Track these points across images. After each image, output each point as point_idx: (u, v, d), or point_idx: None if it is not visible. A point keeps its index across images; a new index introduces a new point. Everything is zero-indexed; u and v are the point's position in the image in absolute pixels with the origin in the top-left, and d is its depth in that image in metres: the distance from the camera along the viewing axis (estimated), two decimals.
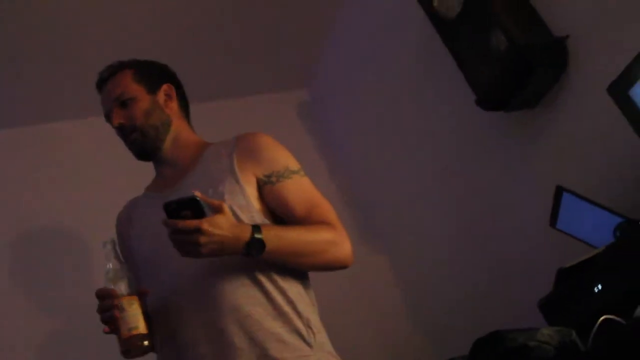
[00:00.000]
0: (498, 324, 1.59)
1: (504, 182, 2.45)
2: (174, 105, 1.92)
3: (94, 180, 2.94)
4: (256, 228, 1.59)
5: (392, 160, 3.05)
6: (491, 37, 2.13)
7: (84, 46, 2.82)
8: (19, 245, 2.81)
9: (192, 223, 1.52)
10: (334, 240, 1.70)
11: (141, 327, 1.62)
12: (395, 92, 2.93)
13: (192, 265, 1.66)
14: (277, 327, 1.63)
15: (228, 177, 1.75)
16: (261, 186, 1.76)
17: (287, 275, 1.70)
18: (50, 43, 2.76)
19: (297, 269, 1.72)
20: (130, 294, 1.64)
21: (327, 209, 1.75)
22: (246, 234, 1.57)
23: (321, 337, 1.70)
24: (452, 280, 2.78)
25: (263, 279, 1.67)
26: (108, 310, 1.62)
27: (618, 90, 1.78)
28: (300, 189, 1.76)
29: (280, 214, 1.76)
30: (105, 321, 1.63)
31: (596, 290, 1.55)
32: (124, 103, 1.85)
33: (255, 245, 1.57)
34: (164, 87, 1.91)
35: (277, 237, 1.62)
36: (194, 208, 1.53)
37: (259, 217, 1.73)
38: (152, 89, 1.89)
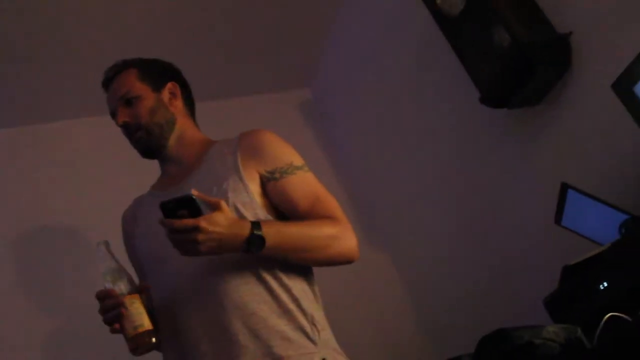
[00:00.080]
0: (501, 322, 1.58)
1: (506, 179, 2.45)
2: (179, 103, 1.92)
3: (94, 179, 2.94)
4: (256, 224, 1.58)
5: (394, 158, 3.04)
6: (494, 34, 2.13)
7: (84, 46, 2.81)
8: (19, 245, 2.80)
9: (189, 222, 1.51)
10: (337, 234, 1.69)
11: (146, 324, 1.61)
12: (396, 91, 2.93)
13: (194, 263, 1.65)
14: (281, 324, 1.62)
15: (232, 174, 1.75)
16: (265, 183, 1.75)
17: (291, 272, 1.70)
18: (50, 43, 2.76)
19: (300, 264, 1.71)
20: (130, 292, 1.63)
21: (331, 204, 1.74)
22: (245, 231, 1.56)
23: (326, 334, 1.69)
24: (454, 278, 2.77)
25: (267, 276, 1.66)
26: (110, 310, 1.61)
27: (623, 86, 1.77)
28: (304, 184, 1.76)
29: (283, 209, 1.75)
30: (108, 322, 1.62)
31: (601, 287, 1.54)
32: (129, 102, 1.86)
33: (255, 242, 1.56)
34: (169, 85, 1.92)
35: (277, 233, 1.61)
36: (191, 207, 1.52)
37: (262, 214, 1.72)
38: (157, 87, 1.90)
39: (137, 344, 1.61)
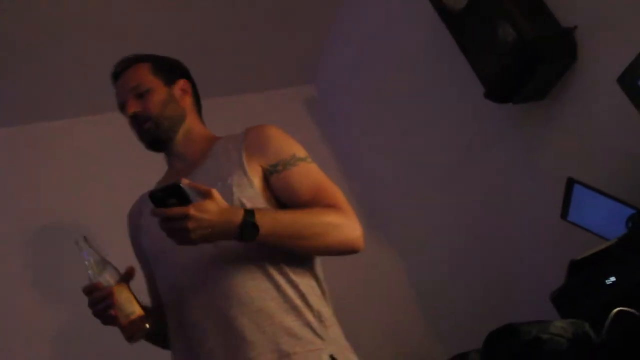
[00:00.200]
0: (509, 318, 1.58)
1: (512, 174, 2.45)
2: (189, 100, 1.93)
3: (95, 177, 2.94)
4: (249, 212, 1.57)
5: (400, 154, 3.04)
6: (498, 29, 2.12)
7: (85, 45, 2.81)
8: (20, 245, 2.80)
9: (178, 210, 1.50)
10: (338, 222, 1.66)
11: (137, 310, 1.61)
12: (401, 87, 2.92)
13: (199, 257, 1.65)
14: (289, 321, 1.62)
15: (236, 169, 1.74)
16: (268, 176, 1.75)
17: (298, 268, 1.69)
18: (51, 43, 2.75)
19: (300, 253, 1.70)
20: (117, 282, 1.63)
21: (333, 193, 1.72)
22: (238, 218, 1.55)
23: (334, 330, 1.68)
24: (461, 273, 2.77)
25: (274, 272, 1.66)
26: (98, 303, 1.61)
27: (628, 80, 1.77)
28: (306, 175, 1.74)
29: (286, 201, 1.73)
30: (99, 315, 1.62)
31: (609, 282, 1.54)
32: (141, 94, 1.86)
33: (247, 229, 1.55)
34: (181, 82, 1.93)
35: (272, 220, 1.60)
36: (179, 195, 1.51)
37: None
38: (169, 82, 1.91)
39: (132, 331, 1.61)
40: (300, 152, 1.78)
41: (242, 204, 1.66)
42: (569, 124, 2.16)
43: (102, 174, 2.95)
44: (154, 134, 1.85)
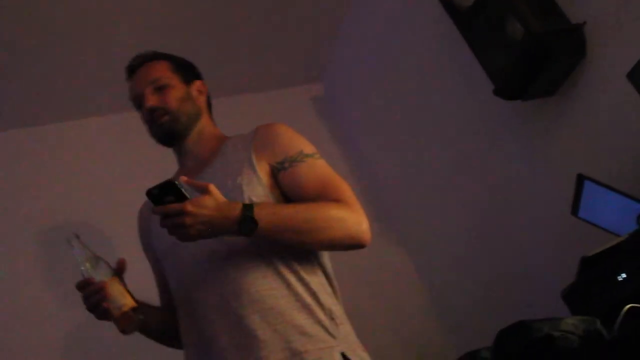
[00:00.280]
0: (520, 315, 1.57)
1: (522, 171, 2.44)
2: (204, 100, 1.96)
3: (99, 179, 2.95)
4: (247, 206, 1.57)
5: (409, 152, 3.04)
6: (507, 25, 2.11)
7: (88, 47, 2.81)
8: (23, 245, 2.81)
9: (175, 206, 1.52)
10: (341, 216, 1.64)
11: (129, 302, 1.63)
12: (409, 84, 2.92)
13: (209, 255, 1.66)
14: (300, 319, 1.62)
15: (246, 168, 1.75)
16: (275, 174, 1.75)
17: (308, 265, 1.69)
18: (51, 44, 2.75)
19: (305, 248, 1.69)
20: (109, 277, 1.64)
21: (340, 188, 1.70)
22: (236, 212, 1.55)
23: (345, 328, 1.68)
24: (472, 271, 2.77)
25: (284, 270, 1.66)
26: (91, 297, 1.62)
27: (638, 75, 1.76)
28: (313, 171, 1.73)
29: (293, 197, 1.73)
30: (92, 309, 1.63)
31: (620, 278, 1.53)
32: (160, 88, 1.88)
33: (246, 223, 1.55)
34: (198, 82, 1.96)
35: (272, 214, 1.60)
36: (175, 192, 1.53)
37: None
38: (187, 81, 1.93)
39: (125, 323, 1.62)
40: (308, 148, 1.78)
41: (252, 202, 1.66)
42: (579, 120, 2.15)
43: (102, 174, 2.95)
44: (170, 128, 1.86)
